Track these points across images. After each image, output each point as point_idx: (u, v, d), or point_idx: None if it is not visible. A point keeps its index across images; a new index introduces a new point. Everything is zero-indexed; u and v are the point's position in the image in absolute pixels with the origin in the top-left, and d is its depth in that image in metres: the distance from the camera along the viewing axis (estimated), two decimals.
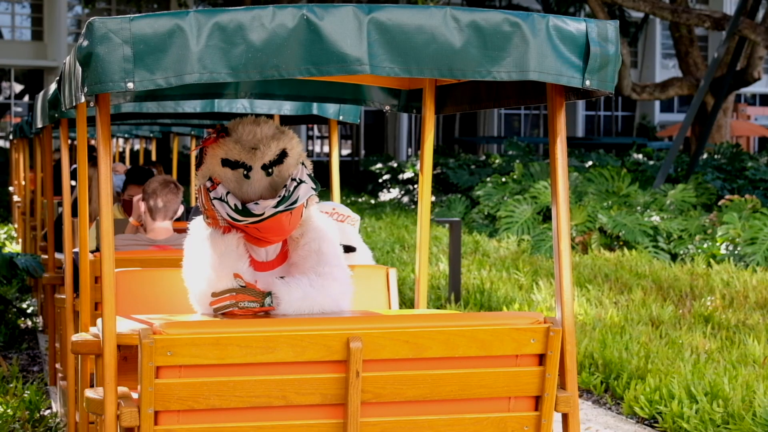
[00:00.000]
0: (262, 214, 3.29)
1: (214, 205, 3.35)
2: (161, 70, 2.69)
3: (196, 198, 3.53)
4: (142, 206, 5.58)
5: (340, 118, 5.29)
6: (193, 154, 3.95)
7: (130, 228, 6.06)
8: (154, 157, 15.09)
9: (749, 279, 10.04)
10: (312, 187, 3.37)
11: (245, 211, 3.30)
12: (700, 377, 6.24)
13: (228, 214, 3.32)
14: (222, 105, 5.59)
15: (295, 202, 3.31)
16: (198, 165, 3.45)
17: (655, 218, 13.50)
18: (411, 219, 18.30)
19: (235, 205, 3.31)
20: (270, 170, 3.35)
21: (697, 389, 5.98)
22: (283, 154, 3.37)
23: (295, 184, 3.33)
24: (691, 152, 22.32)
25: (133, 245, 5.36)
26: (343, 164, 35.82)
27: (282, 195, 3.30)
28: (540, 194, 15.00)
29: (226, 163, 3.36)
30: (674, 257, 12.65)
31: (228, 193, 3.33)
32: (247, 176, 3.34)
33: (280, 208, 3.29)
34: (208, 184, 3.36)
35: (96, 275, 4.74)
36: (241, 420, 2.93)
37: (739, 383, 6.03)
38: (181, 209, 5.56)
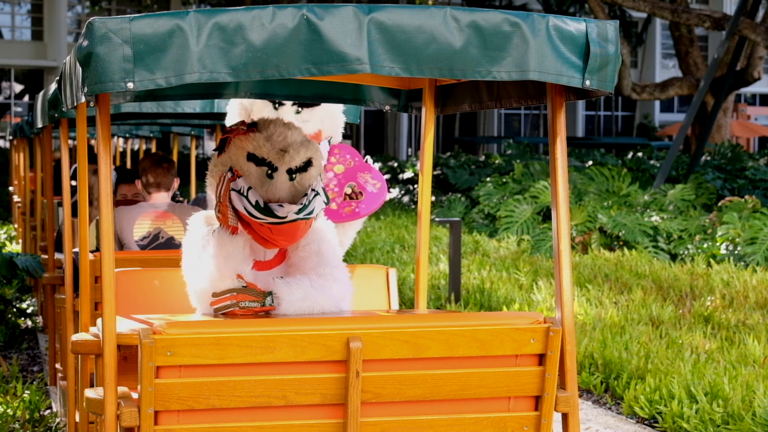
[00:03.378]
0: (285, 217, 3.30)
1: (231, 197, 3.35)
2: (161, 70, 2.69)
3: (207, 187, 3.53)
4: (139, 184, 5.94)
5: None
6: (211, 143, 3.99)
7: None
8: None
9: (749, 279, 10.03)
10: (324, 201, 3.40)
11: (267, 211, 3.30)
12: (700, 377, 6.24)
13: (246, 209, 3.32)
14: (222, 105, 5.59)
15: (311, 212, 3.34)
16: (219, 152, 3.44)
17: (655, 218, 13.50)
18: (411, 219, 18.30)
19: (257, 201, 3.31)
20: (294, 176, 3.37)
21: (697, 389, 5.98)
22: (308, 163, 3.40)
23: (314, 194, 3.35)
24: (691, 152, 22.32)
25: (135, 210, 5.64)
26: None
27: (303, 203, 3.32)
28: (540, 194, 15.00)
29: (252, 157, 3.37)
30: (674, 257, 12.65)
31: (250, 188, 3.33)
32: (270, 176, 3.35)
33: (301, 215, 3.31)
34: (230, 174, 3.36)
35: (96, 275, 4.75)
36: (241, 420, 2.93)
37: (739, 383, 6.03)
38: (176, 182, 5.88)
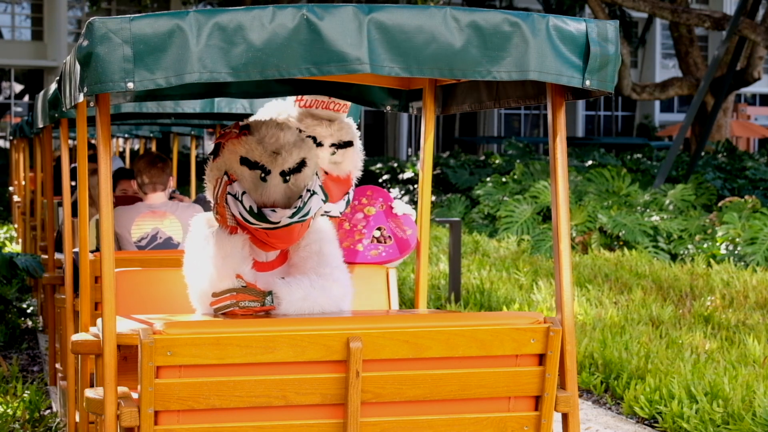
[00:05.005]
0: (278, 222, 3.29)
1: (227, 201, 3.35)
2: (161, 70, 2.69)
3: (205, 189, 3.53)
4: (134, 185, 6.06)
5: None
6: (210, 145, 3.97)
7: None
8: None
9: (749, 279, 10.03)
10: (322, 199, 3.38)
11: (261, 216, 3.29)
12: (700, 377, 6.24)
13: (240, 214, 3.31)
14: (222, 105, 5.60)
15: (307, 213, 3.32)
16: (214, 157, 3.44)
17: (655, 218, 13.50)
18: None
19: (250, 207, 3.30)
20: (287, 177, 3.34)
21: (697, 389, 5.98)
22: (302, 164, 3.37)
23: (309, 195, 3.32)
24: (691, 152, 22.32)
25: (132, 211, 5.66)
26: None
27: (297, 206, 3.29)
28: (540, 194, 15.00)
29: (244, 161, 3.34)
30: (674, 257, 12.65)
31: (244, 193, 3.32)
32: (263, 179, 3.33)
33: (295, 219, 3.29)
34: (226, 178, 3.35)
35: (96, 275, 4.75)
36: (241, 420, 2.93)
37: (739, 383, 6.03)
38: (171, 181, 5.92)
